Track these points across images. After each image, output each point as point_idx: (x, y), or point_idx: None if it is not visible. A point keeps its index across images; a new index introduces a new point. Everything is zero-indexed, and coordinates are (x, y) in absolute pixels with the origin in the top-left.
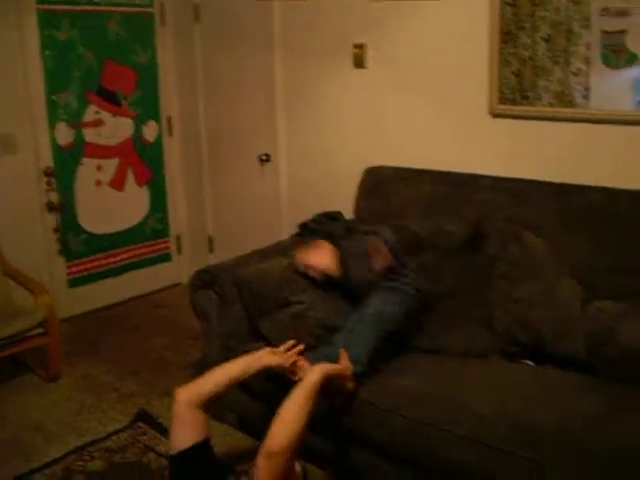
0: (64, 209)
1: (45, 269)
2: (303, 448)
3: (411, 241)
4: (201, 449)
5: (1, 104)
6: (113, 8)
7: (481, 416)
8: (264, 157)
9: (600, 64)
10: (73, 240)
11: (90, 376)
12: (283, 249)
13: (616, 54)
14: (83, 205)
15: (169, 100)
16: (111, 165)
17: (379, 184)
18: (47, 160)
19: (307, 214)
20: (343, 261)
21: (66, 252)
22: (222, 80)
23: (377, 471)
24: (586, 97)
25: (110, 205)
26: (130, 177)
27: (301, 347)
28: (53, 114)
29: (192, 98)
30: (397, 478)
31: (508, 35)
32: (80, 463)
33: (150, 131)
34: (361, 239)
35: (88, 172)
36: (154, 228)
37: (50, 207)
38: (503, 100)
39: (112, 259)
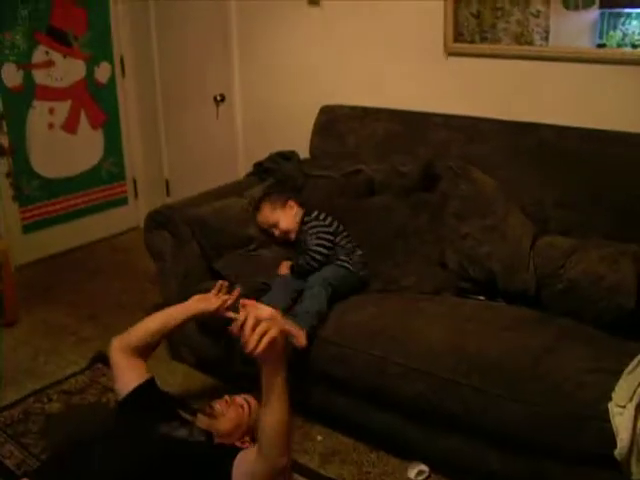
0: (16, 153)
1: None
2: (260, 384)
3: (364, 185)
4: (144, 390)
5: None
6: None
7: (432, 349)
8: (219, 97)
9: (559, 6)
10: (27, 185)
11: (48, 321)
12: (238, 189)
13: None
14: (36, 149)
15: (121, 40)
16: (63, 108)
17: (334, 123)
18: None
19: (263, 154)
20: (301, 237)
21: (20, 197)
22: (176, 19)
23: (334, 406)
24: (545, 39)
25: (64, 149)
26: (83, 120)
27: (237, 291)
28: None
29: (145, 38)
30: (354, 412)
31: None
32: (38, 405)
33: (103, 72)
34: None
35: (40, 115)
36: (109, 172)
37: (1, 151)
38: (458, 39)
39: (67, 203)
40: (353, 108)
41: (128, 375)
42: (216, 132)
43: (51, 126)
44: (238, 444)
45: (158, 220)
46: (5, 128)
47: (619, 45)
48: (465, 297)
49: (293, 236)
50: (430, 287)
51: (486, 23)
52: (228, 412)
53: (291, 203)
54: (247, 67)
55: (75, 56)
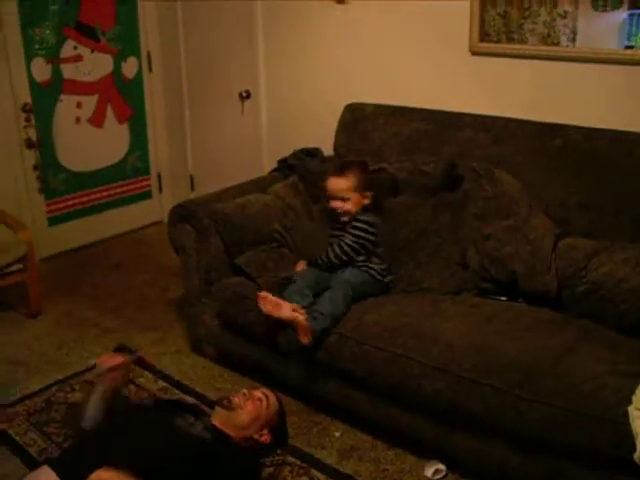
0: (43, 146)
1: (25, 207)
2: (279, 380)
3: (386, 183)
4: None
5: None
6: None
7: (453, 348)
8: (244, 94)
9: (588, 7)
10: (53, 178)
11: (71, 312)
12: (261, 185)
13: None
14: (62, 142)
15: (149, 35)
16: (90, 102)
17: (359, 121)
18: (25, 96)
19: (287, 151)
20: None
21: (46, 190)
22: (203, 15)
23: (353, 403)
24: (572, 40)
25: (90, 143)
26: (110, 114)
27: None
28: (29, 49)
29: (172, 33)
30: (373, 409)
31: None
32: (61, 395)
33: (130, 67)
34: None
35: (67, 109)
36: (134, 166)
37: (29, 144)
38: (485, 39)
39: (92, 197)
40: (378, 106)
41: None
42: (241, 128)
43: (78, 120)
44: (256, 437)
45: (182, 214)
46: (33, 121)
47: None
48: (486, 298)
49: (344, 219)
50: (451, 287)
51: (513, 23)
52: (246, 405)
53: (368, 194)
54: (273, 64)
55: (103, 51)
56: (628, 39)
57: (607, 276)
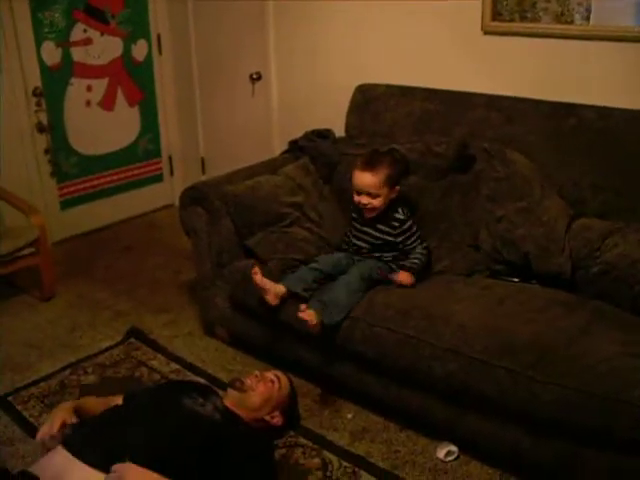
0: (54, 130)
1: (37, 191)
2: (291, 362)
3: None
4: None
5: None
6: None
7: (465, 329)
8: (255, 75)
9: None
10: (64, 162)
11: (84, 295)
12: (272, 167)
13: None
14: (73, 126)
15: (158, 18)
16: (101, 85)
17: (370, 101)
18: (35, 80)
19: (298, 132)
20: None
21: (58, 174)
22: None
23: (365, 385)
24: (586, 19)
25: (101, 126)
26: (120, 97)
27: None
28: (39, 32)
29: (182, 15)
30: (385, 391)
31: None
32: (74, 377)
33: (140, 50)
34: None
35: (77, 92)
36: (146, 149)
37: (40, 128)
38: (497, 18)
39: (104, 180)
40: (390, 87)
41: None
42: (252, 110)
43: (88, 103)
44: (268, 418)
45: (193, 196)
46: (44, 105)
47: None
48: (498, 279)
49: (371, 215)
50: (463, 269)
51: (526, 2)
52: (258, 387)
53: (397, 189)
54: (283, 45)
55: (112, 34)
56: None
57: (621, 257)
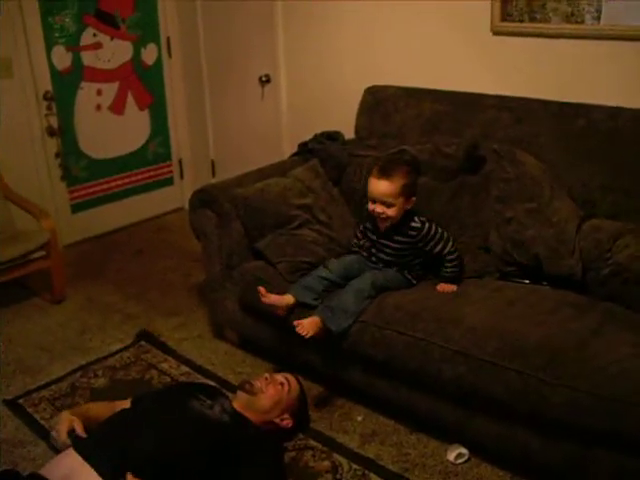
0: (64, 134)
1: (48, 195)
2: (301, 364)
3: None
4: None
5: None
6: None
7: (475, 331)
8: (264, 78)
9: None
10: (75, 165)
11: (94, 298)
12: (282, 169)
13: None
14: (84, 130)
15: (168, 21)
16: (111, 89)
17: (380, 103)
18: (46, 84)
19: (308, 135)
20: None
21: (68, 177)
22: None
23: (375, 387)
24: (597, 19)
25: (111, 130)
26: (130, 101)
27: None
28: (49, 37)
29: (191, 19)
30: (394, 394)
31: None
32: (84, 380)
33: (149, 54)
34: None
35: (88, 96)
36: (156, 152)
37: (50, 132)
38: (507, 19)
39: (114, 184)
40: (399, 88)
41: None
42: (261, 113)
43: (99, 107)
44: (277, 421)
45: (203, 199)
46: (54, 109)
47: None
48: (509, 281)
49: (385, 225)
50: (473, 271)
51: (536, 2)
52: (267, 389)
53: (413, 200)
54: (293, 47)
55: (122, 38)
56: None
57: (632, 258)
